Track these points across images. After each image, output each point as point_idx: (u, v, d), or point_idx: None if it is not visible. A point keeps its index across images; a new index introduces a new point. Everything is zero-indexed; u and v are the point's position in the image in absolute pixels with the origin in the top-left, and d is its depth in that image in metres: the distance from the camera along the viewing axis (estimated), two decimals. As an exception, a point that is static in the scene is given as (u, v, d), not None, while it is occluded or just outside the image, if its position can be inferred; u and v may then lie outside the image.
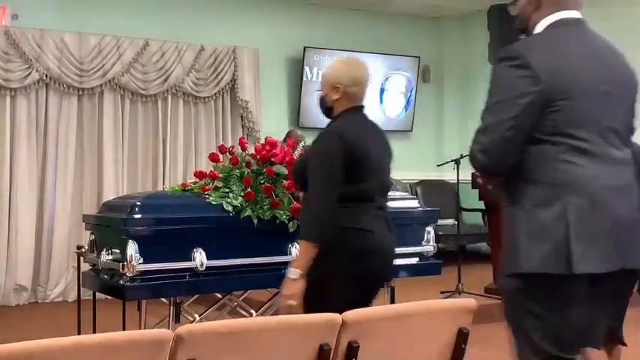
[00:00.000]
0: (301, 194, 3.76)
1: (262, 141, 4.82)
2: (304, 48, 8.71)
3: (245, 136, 7.40)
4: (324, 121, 7.27)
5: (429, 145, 9.79)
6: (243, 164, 4.40)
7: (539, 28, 2.44)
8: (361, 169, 3.10)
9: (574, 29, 2.44)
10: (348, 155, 3.05)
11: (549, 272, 2.23)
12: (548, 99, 2.25)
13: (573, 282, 2.23)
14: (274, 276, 4.41)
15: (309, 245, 3.04)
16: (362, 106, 3.29)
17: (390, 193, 5.59)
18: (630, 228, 2.29)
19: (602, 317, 2.39)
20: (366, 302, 3.14)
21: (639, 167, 2.45)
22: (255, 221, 4.21)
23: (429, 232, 4.92)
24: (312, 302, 3.03)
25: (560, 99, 2.26)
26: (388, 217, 3.28)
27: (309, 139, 7.42)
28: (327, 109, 3.26)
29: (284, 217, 4.29)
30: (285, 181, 4.39)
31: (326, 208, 3.02)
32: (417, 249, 4.89)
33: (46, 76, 7.11)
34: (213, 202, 4.19)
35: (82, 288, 4.37)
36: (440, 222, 5.48)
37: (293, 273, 3.05)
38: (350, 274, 3.07)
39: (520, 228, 2.30)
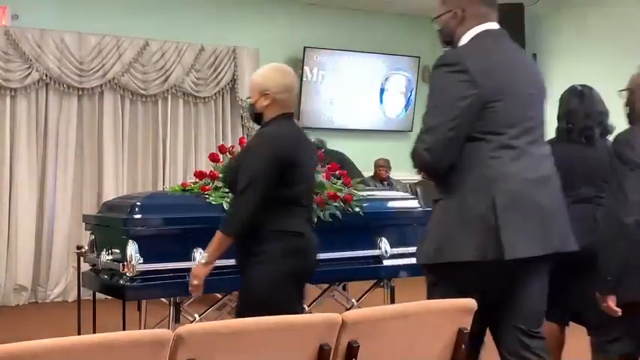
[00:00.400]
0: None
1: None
2: (304, 48, 8.71)
3: (245, 136, 7.40)
4: (324, 122, 7.39)
5: (429, 145, 9.79)
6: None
7: (465, 39, 2.67)
8: (293, 174, 3.15)
9: (497, 39, 2.69)
10: (280, 159, 3.10)
11: (484, 259, 2.44)
12: (484, 101, 2.47)
13: (503, 267, 2.45)
14: (274, 276, 4.42)
15: (225, 237, 3.15)
16: (291, 113, 3.34)
17: (390, 193, 5.63)
18: (550, 215, 2.53)
19: (527, 298, 2.60)
20: (297, 299, 3.29)
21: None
22: (255, 221, 4.21)
23: (429, 232, 4.92)
24: (245, 304, 3.18)
25: (494, 101, 2.48)
26: (312, 220, 3.42)
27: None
28: (256, 115, 3.29)
29: (284, 217, 4.29)
30: (285, 181, 4.40)
31: (250, 206, 3.07)
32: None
33: (46, 76, 7.11)
34: (213, 202, 4.19)
35: (82, 288, 4.38)
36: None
37: (204, 258, 3.26)
38: (282, 277, 3.14)
39: (454, 219, 2.50)
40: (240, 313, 3.21)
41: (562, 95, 3.77)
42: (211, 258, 3.22)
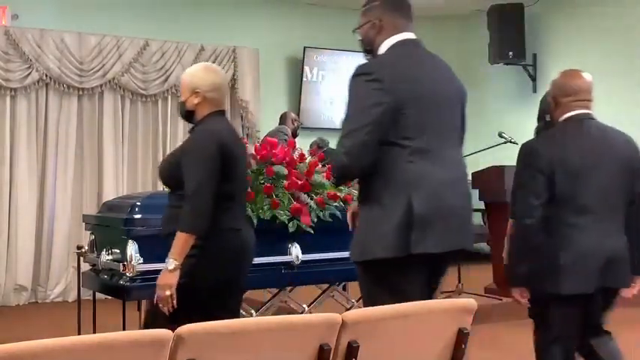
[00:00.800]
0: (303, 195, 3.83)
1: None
2: (304, 48, 8.71)
3: (245, 136, 7.41)
4: (324, 122, 7.38)
5: (429, 145, 9.79)
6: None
7: (383, 48, 2.86)
8: (231, 169, 3.16)
9: (413, 48, 2.87)
10: (220, 154, 3.11)
11: (398, 255, 2.64)
12: (397, 108, 2.65)
13: (416, 262, 2.68)
14: (274, 276, 4.42)
15: (189, 237, 3.07)
16: (223, 111, 3.37)
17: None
18: (460, 215, 2.76)
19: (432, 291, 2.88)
20: (232, 297, 3.29)
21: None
22: (255, 221, 4.21)
23: (429, 232, 4.92)
24: (182, 301, 3.07)
25: (407, 108, 2.66)
26: (248, 216, 3.40)
27: (309, 139, 7.45)
28: (187, 113, 3.31)
29: (284, 217, 4.29)
30: (285, 181, 4.40)
31: (206, 202, 3.05)
32: (417, 249, 4.89)
33: (46, 76, 7.11)
34: (213, 202, 4.18)
35: (82, 288, 4.38)
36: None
37: (171, 264, 3.04)
38: (221, 272, 3.14)
39: (375, 220, 2.70)
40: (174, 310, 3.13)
41: (542, 97, 3.80)
42: (179, 262, 3.05)
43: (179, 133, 7.87)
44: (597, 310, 3.25)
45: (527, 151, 3.26)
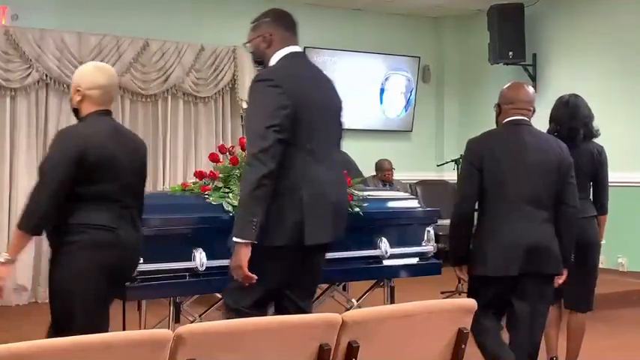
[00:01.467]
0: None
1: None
2: (304, 48, 8.69)
3: (245, 137, 7.39)
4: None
5: (429, 145, 9.79)
6: (243, 164, 4.40)
7: (274, 60, 3.16)
8: (100, 170, 3.18)
9: (302, 60, 3.22)
10: (75, 157, 3.12)
11: (290, 244, 3.01)
12: (295, 112, 2.95)
13: (301, 251, 3.06)
14: (274, 276, 4.41)
15: (23, 234, 3.21)
16: (107, 111, 3.40)
17: (390, 193, 5.62)
18: (339, 211, 3.17)
19: (308, 277, 3.23)
20: (110, 295, 3.39)
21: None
22: (255, 221, 4.21)
23: (429, 232, 4.93)
24: (51, 293, 3.34)
25: (301, 113, 2.96)
26: (135, 217, 3.39)
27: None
28: (74, 110, 3.36)
29: (284, 217, 4.29)
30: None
31: (43, 202, 3.11)
32: (417, 249, 4.89)
33: (46, 76, 7.11)
34: (213, 202, 4.18)
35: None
36: (440, 222, 5.48)
37: (3, 257, 3.23)
38: (87, 267, 3.19)
39: (276, 212, 3.01)
40: (50, 305, 3.39)
41: (555, 103, 4.33)
42: (12, 256, 3.21)
43: (179, 133, 7.86)
44: (528, 293, 3.60)
45: (466, 148, 3.77)
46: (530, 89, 3.77)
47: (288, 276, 3.11)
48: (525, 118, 3.68)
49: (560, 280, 3.71)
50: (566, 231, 3.65)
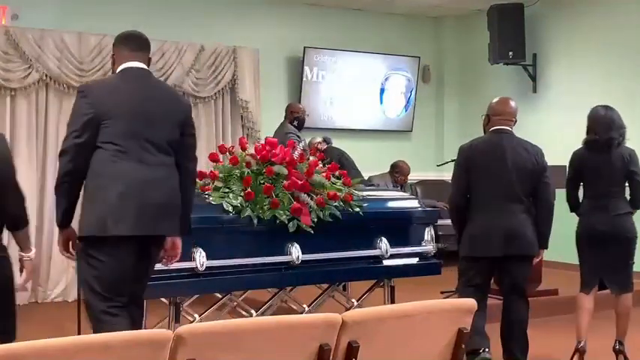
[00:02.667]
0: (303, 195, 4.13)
1: (262, 141, 4.82)
2: (304, 48, 8.71)
3: (245, 136, 7.40)
4: (324, 122, 7.38)
5: (429, 145, 9.79)
6: (243, 164, 4.40)
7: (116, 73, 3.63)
8: None
9: (130, 74, 3.55)
10: None
11: (97, 235, 3.32)
12: (99, 119, 3.34)
13: (118, 243, 3.32)
14: (274, 276, 4.42)
15: None
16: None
17: (390, 193, 5.62)
18: (154, 206, 3.36)
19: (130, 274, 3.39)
20: None
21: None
22: (255, 221, 4.21)
23: (429, 232, 4.93)
24: None
25: (109, 119, 3.35)
26: None
27: (309, 139, 7.46)
28: None
29: (284, 217, 4.29)
30: (285, 181, 4.40)
31: None
32: (417, 249, 4.90)
33: (46, 76, 7.11)
34: (213, 202, 4.19)
35: (82, 288, 4.37)
36: (440, 222, 5.49)
37: (32, 253, 3.71)
38: None
39: (89, 205, 3.38)
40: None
41: (588, 114, 4.83)
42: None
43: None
44: (512, 271, 4.42)
45: (458, 152, 4.57)
46: (514, 104, 4.59)
47: (117, 269, 3.35)
48: (508, 128, 4.50)
49: (537, 259, 4.60)
50: (541, 221, 4.48)
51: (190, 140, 3.66)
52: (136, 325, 3.44)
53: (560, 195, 6.43)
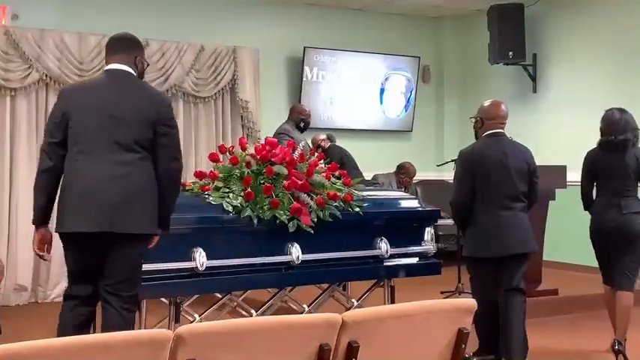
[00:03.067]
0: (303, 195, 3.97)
1: (262, 141, 4.82)
2: (304, 48, 8.71)
3: (245, 136, 7.40)
4: (324, 122, 7.37)
5: (429, 145, 9.78)
6: (243, 164, 4.40)
7: None
8: None
9: (106, 76, 3.68)
10: None
11: (60, 231, 3.51)
12: (67, 119, 3.52)
13: (74, 238, 3.48)
14: (274, 276, 4.42)
15: None
16: None
17: (390, 193, 5.63)
18: (110, 206, 3.44)
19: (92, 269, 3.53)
20: None
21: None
22: (255, 221, 4.21)
23: (429, 232, 4.93)
24: None
25: (72, 120, 3.51)
26: None
27: (309, 139, 7.45)
28: None
29: (284, 217, 4.29)
30: (285, 181, 4.40)
31: None
32: (417, 249, 4.90)
33: (46, 76, 7.11)
34: (213, 202, 4.19)
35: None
36: (440, 222, 5.49)
37: None
38: None
39: (60, 202, 3.52)
40: None
41: (603, 117, 5.02)
42: None
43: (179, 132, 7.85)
44: (514, 268, 4.52)
45: (459, 156, 4.73)
46: (505, 106, 4.74)
47: (77, 263, 3.56)
48: (503, 130, 4.67)
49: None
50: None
51: (165, 140, 3.60)
52: (125, 321, 3.50)
53: (561, 195, 6.46)
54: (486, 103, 4.73)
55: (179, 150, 3.69)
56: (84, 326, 3.57)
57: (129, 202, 3.47)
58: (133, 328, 3.57)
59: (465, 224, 4.66)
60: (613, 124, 4.93)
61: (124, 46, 3.71)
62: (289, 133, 6.78)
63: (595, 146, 5.03)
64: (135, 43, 3.77)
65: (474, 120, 4.75)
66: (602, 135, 4.99)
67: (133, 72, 3.67)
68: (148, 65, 3.92)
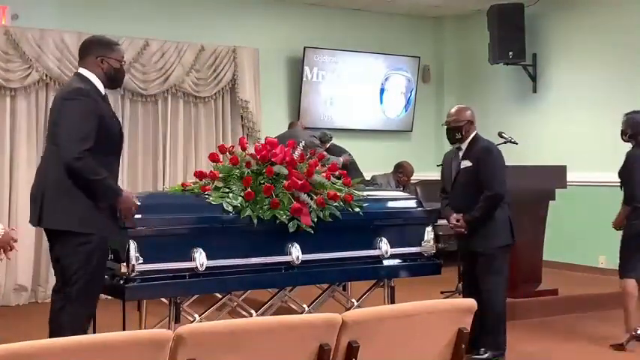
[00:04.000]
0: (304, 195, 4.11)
1: (262, 141, 4.82)
2: (304, 48, 8.71)
3: (245, 136, 7.40)
4: (324, 122, 7.38)
5: (429, 145, 9.78)
6: (243, 164, 4.40)
7: None
8: None
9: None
10: None
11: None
12: None
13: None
14: (274, 276, 4.42)
15: None
16: None
17: (390, 193, 5.63)
18: (34, 200, 3.73)
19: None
20: None
21: None
22: (255, 221, 4.21)
23: (428, 232, 4.93)
24: None
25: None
26: None
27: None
28: None
29: (284, 217, 4.29)
30: (285, 181, 4.39)
31: None
32: (417, 249, 4.90)
33: (46, 76, 7.11)
34: (213, 202, 4.19)
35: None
36: (440, 222, 5.48)
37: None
38: None
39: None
40: None
41: (630, 120, 5.31)
42: None
43: (179, 133, 7.86)
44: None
45: (493, 149, 5.06)
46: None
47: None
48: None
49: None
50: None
51: (52, 128, 3.75)
52: (64, 313, 3.85)
53: (561, 195, 6.46)
54: (467, 110, 5.18)
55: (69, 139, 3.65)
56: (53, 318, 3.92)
57: (39, 195, 3.76)
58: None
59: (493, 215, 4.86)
60: (638, 126, 5.29)
61: (82, 50, 3.85)
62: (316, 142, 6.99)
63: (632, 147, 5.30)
64: (93, 45, 3.79)
65: (460, 124, 5.05)
66: (629, 137, 5.30)
67: (86, 75, 3.74)
68: (123, 63, 3.89)
